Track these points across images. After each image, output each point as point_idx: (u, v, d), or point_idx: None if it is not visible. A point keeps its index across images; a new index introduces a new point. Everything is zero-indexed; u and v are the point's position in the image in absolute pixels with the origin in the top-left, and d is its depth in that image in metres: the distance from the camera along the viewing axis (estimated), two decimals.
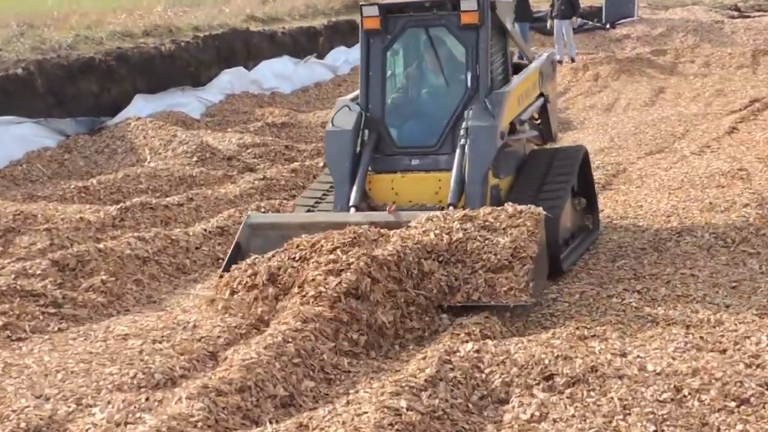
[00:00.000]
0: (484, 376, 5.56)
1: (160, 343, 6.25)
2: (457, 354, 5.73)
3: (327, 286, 6.24)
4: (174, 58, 15.66)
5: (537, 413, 5.11)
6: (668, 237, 8.64)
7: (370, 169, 8.03)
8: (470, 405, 5.32)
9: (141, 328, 6.73)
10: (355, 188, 7.81)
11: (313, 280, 6.35)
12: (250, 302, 6.56)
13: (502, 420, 5.18)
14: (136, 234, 8.95)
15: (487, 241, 6.79)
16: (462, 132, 7.79)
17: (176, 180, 11.73)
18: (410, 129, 8.34)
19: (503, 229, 6.87)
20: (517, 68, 9.04)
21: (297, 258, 6.67)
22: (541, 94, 9.05)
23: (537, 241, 6.76)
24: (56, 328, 7.04)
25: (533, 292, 6.60)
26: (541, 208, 7.00)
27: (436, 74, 8.43)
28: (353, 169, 7.93)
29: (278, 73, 17.74)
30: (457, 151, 7.78)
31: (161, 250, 8.73)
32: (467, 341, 6.04)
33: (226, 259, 7.47)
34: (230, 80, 16.58)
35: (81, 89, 14.04)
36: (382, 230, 6.96)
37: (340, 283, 6.25)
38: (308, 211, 8.13)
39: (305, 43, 19.16)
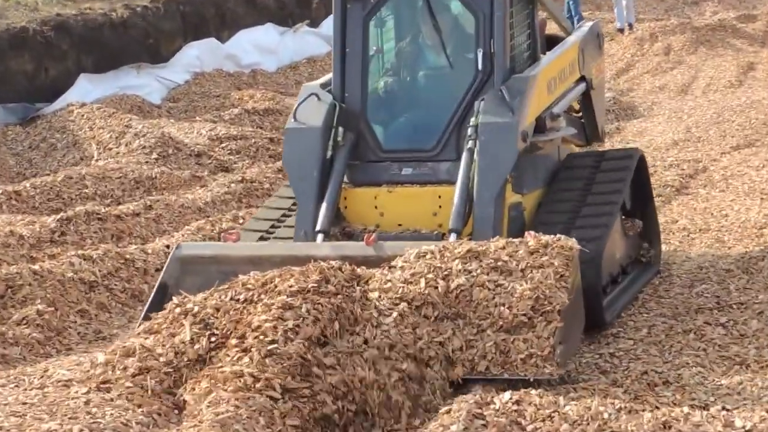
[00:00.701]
0: None
1: (109, 391, 6.27)
2: (491, 406, 5.74)
3: (280, 342, 5.77)
4: (127, 28, 15.75)
5: None
6: (761, 255, 8.64)
7: (346, 180, 7.62)
8: None
9: (87, 372, 6.75)
10: (324, 207, 7.37)
11: (259, 327, 5.90)
12: (172, 350, 6.09)
13: None
14: (80, 252, 8.98)
15: (498, 289, 6.33)
16: (470, 131, 7.36)
17: (131, 183, 11.79)
18: (401, 126, 7.97)
19: (522, 270, 6.37)
20: (552, 42, 8.66)
21: (241, 300, 6.21)
22: (583, 78, 8.64)
23: (568, 288, 6.28)
24: None
25: (561, 359, 6.15)
26: (574, 241, 6.53)
27: (436, 52, 7.96)
28: (322, 181, 7.48)
29: (260, 45, 17.83)
30: (463, 156, 7.33)
31: (112, 273, 8.76)
32: (504, 390, 6.04)
33: (146, 305, 7.00)
34: (199, 55, 16.67)
35: (10, 68, 14.12)
36: (358, 269, 6.51)
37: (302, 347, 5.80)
38: (261, 239, 7.70)
39: (294, 8, 19.25)
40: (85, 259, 8.76)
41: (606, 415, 5.60)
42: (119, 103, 14.52)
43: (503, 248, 6.51)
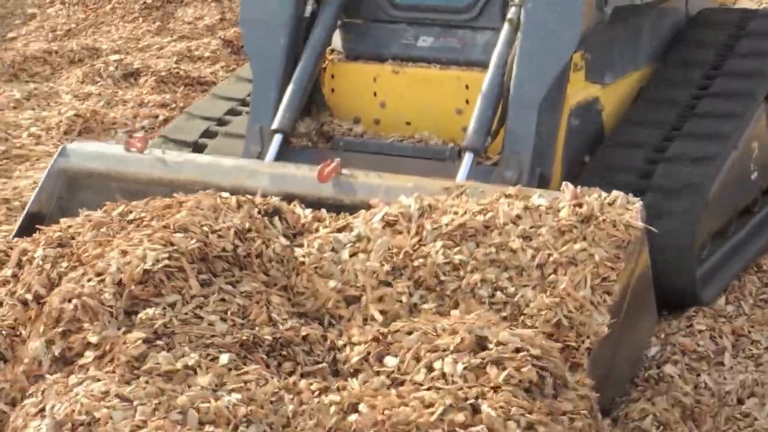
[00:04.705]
0: None
1: None
2: None
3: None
4: None
5: None
6: None
7: (333, 50, 5.58)
8: None
9: None
10: (289, 92, 5.23)
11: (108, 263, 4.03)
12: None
13: None
14: None
15: (497, 297, 4.11)
16: None
17: None
18: None
19: (540, 266, 4.08)
20: None
21: (130, 219, 4.47)
22: None
23: (611, 304, 4.01)
24: None
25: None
26: (639, 209, 4.19)
27: None
28: (294, 50, 5.36)
29: None
30: (503, 31, 5.01)
31: None
32: None
33: (15, 230, 5.24)
34: None
35: None
36: (307, 216, 4.54)
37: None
38: (195, 148, 5.80)
39: None
40: None
41: None
42: None
43: (516, 220, 4.20)
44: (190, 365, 3.60)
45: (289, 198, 4.57)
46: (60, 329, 3.81)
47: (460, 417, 3.39)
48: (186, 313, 3.83)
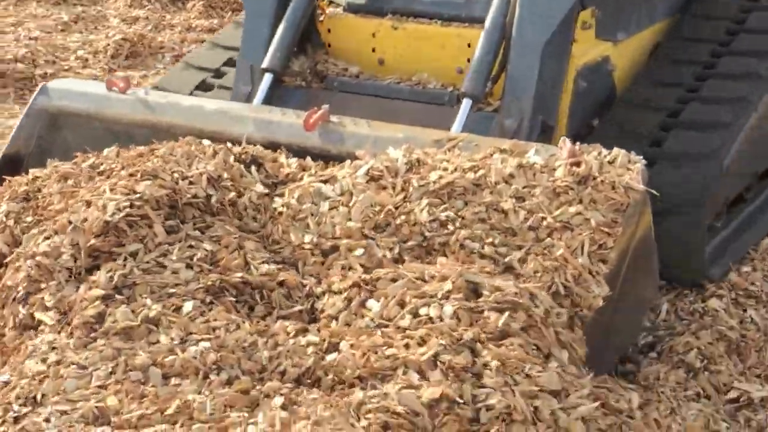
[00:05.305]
0: None
1: None
2: None
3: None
4: None
5: None
6: None
7: (331, 2, 5.28)
8: None
9: None
10: (281, 30, 4.97)
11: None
12: None
13: None
14: None
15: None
16: None
17: None
18: None
19: (534, 229, 3.80)
20: None
21: (101, 170, 4.26)
22: None
23: (608, 272, 3.70)
24: None
25: None
26: (640, 169, 3.84)
27: None
28: None
29: None
30: None
31: None
32: None
33: None
34: None
35: None
36: (291, 165, 4.27)
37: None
38: (196, 91, 5.57)
39: None
40: None
41: None
42: None
43: (509, 179, 3.88)
44: (152, 317, 3.47)
45: (273, 146, 4.37)
46: (19, 294, 3.69)
47: (460, 359, 3.21)
48: (148, 262, 3.70)
